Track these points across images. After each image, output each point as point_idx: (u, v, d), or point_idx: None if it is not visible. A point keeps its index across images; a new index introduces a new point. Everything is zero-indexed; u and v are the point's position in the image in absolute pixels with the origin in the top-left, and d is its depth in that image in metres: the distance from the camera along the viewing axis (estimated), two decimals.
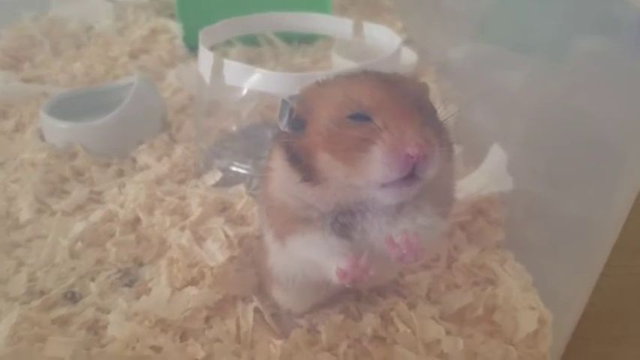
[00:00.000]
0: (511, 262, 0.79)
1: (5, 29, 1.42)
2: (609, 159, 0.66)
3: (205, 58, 0.86)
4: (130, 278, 0.79)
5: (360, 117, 0.52)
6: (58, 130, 0.99)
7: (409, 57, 1.28)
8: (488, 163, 0.88)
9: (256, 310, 0.72)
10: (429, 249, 0.60)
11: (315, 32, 1.05)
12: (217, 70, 0.84)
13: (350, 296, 0.75)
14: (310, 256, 0.59)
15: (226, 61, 0.82)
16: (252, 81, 0.81)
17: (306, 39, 1.43)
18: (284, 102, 0.58)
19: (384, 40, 0.96)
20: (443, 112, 0.60)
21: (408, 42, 1.46)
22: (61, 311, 0.71)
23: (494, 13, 1.07)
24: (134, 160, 0.99)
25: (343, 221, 0.57)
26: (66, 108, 1.03)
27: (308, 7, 1.08)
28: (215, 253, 0.77)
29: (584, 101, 0.74)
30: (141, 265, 0.80)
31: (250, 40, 1.36)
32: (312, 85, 0.58)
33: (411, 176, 0.50)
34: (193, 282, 0.74)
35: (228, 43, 1.33)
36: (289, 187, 0.56)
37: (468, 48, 1.20)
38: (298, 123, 0.56)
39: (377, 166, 0.50)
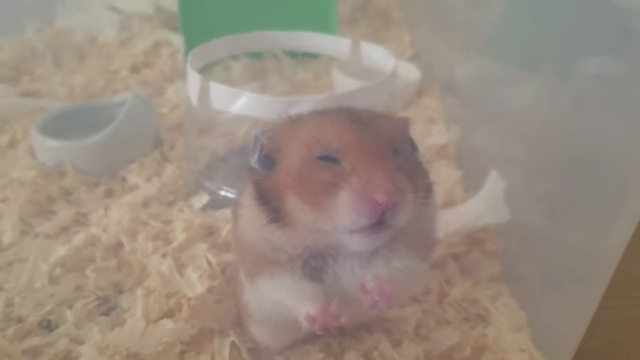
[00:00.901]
0: (504, 297, 0.75)
1: (7, 40, 1.41)
2: (611, 186, 0.62)
3: (193, 79, 0.83)
4: (108, 306, 0.76)
5: (329, 159, 0.49)
6: (48, 148, 0.98)
7: (412, 74, 1.25)
8: (486, 191, 0.85)
9: (233, 345, 0.69)
10: (405, 293, 0.57)
11: (311, 51, 1.02)
12: (204, 93, 0.81)
13: (334, 332, 0.72)
14: (280, 299, 0.56)
15: (212, 84, 0.80)
16: (238, 105, 0.78)
17: (311, 53, 1.41)
18: (256, 137, 0.55)
19: (381, 61, 0.93)
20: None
21: (414, 57, 1.43)
22: (34, 341, 0.69)
23: (504, 29, 1.04)
24: (124, 180, 0.98)
25: (314, 264, 0.54)
26: (59, 125, 1.02)
27: (312, 23, 1.06)
28: (195, 282, 0.75)
29: (587, 125, 0.70)
30: (121, 292, 0.78)
31: (255, 54, 1.34)
32: (284, 121, 0.56)
33: (380, 223, 0.47)
34: (170, 314, 0.72)
35: (234, 56, 1.32)
36: (257, 227, 0.54)
37: (474, 65, 1.16)
38: (268, 160, 0.54)
39: (344, 212, 0.47)
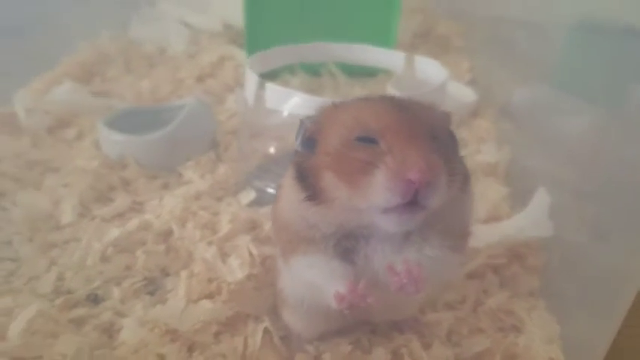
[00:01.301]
0: (540, 311, 0.74)
1: (84, 44, 1.51)
2: None
3: (250, 81, 0.88)
4: (153, 287, 0.80)
5: (368, 140, 0.51)
6: (112, 141, 1.04)
7: (468, 95, 1.26)
8: (532, 207, 0.84)
9: (266, 331, 0.71)
10: (436, 282, 0.58)
11: (366, 64, 1.05)
12: (259, 93, 0.85)
13: (365, 328, 0.73)
14: (312, 278, 0.58)
15: (268, 84, 0.84)
16: (291, 104, 0.82)
17: (368, 72, 1.44)
18: (301, 121, 0.58)
19: (434, 74, 0.95)
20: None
21: (472, 82, 1.44)
22: (80, 311, 0.74)
23: (563, 58, 1.05)
24: (180, 175, 1.02)
25: (346, 245, 0.56)
26: (124, 122, 1.08)
27: (373, 39, 1.09)
28: (235, 269, 0.78)
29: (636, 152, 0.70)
30: (167, 275, 0.82)
31: (313, 70, 1.38)
32: (328, 106, 0.58)
33: (413, 203, 0.49)
34: (210, 296, 0.75)
35: (291, 71, 1.37)
36: (294, 205, 0.56)
37: (530, 91, 1.17)
38: (310, 142, 0.56)
39: (378, 190, 0.49)
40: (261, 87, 0.85)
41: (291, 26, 1.41)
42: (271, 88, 0.84)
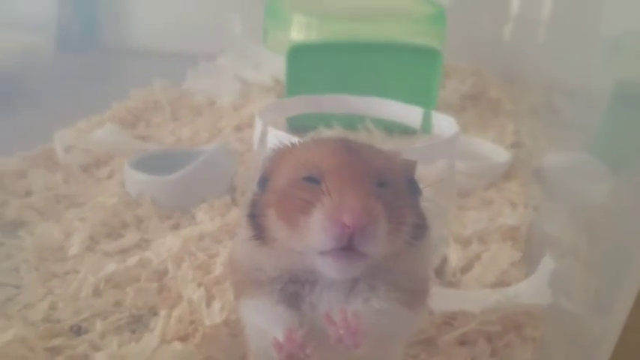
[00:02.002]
0: None
1: (136, 91, 1.59)
2: None
3: (256, 126, 0.88)
4: (137, 325, 0.80)
5: (312, 180, 0.50)
6: (132, 180, 1.07)
7: (501, 156, 1.21)
8: (536, 274, 0.79)
9: None
10: (384, 338, 0.54)
11: (385, 118, 1.04)
12: (263, 138, 0.86)
13: None
14: (258, 323, 0.56)
15: (270, 129, 0.84)
16: None
17: (407, 130, 1.43)
18: (262, 160, 0.58)
19: (448, 129, 0.92)
20: None
21: (514, 145, 1.40)
22: (59, 341, 0.74)
23: (605, 128, 1.01)
24: (193, 217, 1.03)
25: (292, 290, 0.54)
26: (151, 163, 1.11)
27: (413, 102, 1.09)
28: (215, 313, 0.76)
29: None
30: (155, 314, 0.81)
31: (350, 125, 1.38)
32: (285, 145, 0.57)
33: (351, 249, 0.47)
34: (184, 338, 0.74)
35: (328, 125, 1.37)
36: (243, 244, 0.55)
37: (563, 156, 1.13)
38: (264, 181, 0.56)
39: (314, 231, 0.47)
40: (264, 133, 0.85)
41: (330, 85, 1.42)
42: (273, 133, 0.84)
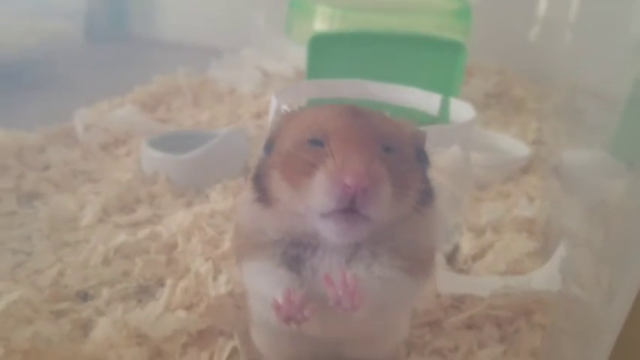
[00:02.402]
0: None
1: (159, 77, 1.61)
2: None
3: (272, 106, 0.88)
4: (146, 295, 0.80)
5: (317, 142, 0.50)
6: (148, 158, 1.08)
7: (520, 150, 1.20)
8: (550, 263, 0.77)
9: (235, 350, 0.68)
10: (385, 305, 0.53)
11: (402, 104, 1.03)
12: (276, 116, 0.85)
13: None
14: (259, 287, 0.55)
15: (284, 106, 0.84)
16: None
17: (425, 120, 1.41)
18: (270, 125, 0.58)
19: (466, 116, 0.91)
20: None
21: (536, 142, 1.38)
22: (64, 305, 0.74)
23: (623, 127, 1.00)
24: (207, 196, 1.03)
25: (294, 253, 0.53)
26: (167, 143, 1.12)
27: (435, 92, 1.08)
28: (221, 284, 0.76)
29: None
30: (162, 285, 0.81)
31: None
32: (293, 110, 0.57)
33: (353, 212, 0.46)
34: (188, 307, 0.73)
35: None
36: (247, 207, 0.55)
37: (582, 153, 1.11)
38: (270, 144, 0.55)
39: (315, 192, 0.47)
40: (278, 109, 0.85)
41: (351, 75, 1.41)
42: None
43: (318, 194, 0.46)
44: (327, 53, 1.37)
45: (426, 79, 1.31)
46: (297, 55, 1.76)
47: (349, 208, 0.46)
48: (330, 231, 0.48)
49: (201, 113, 1.43)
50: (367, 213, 0.46)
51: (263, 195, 0.52)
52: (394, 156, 0.50)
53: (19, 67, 1.73)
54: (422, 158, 0.55)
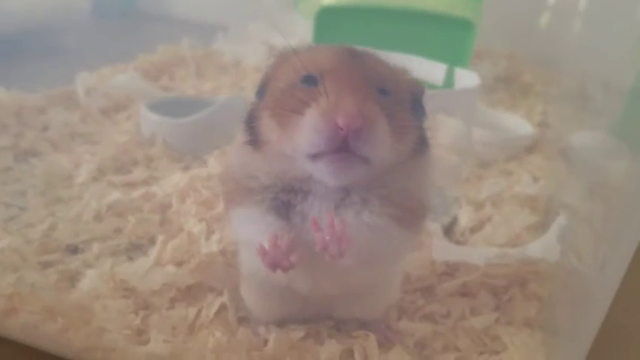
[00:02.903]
0: (529, 341, 0.64)
1: (164, 46, 1.59)
2: None
3: None
4: (137, 252, 0.79)
5: (311, 80, 0.48)
6: (147, 121, 1.06)
7: (524, 128, 1.17)
8: (548, 233, 0.75)
9: (223, 307, 0.67)
10: (372, 254, 0.51)
11: None
12: None
13: (330, 323, 0.66)
14: (247, 233, 0.54)
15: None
16: None
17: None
18: (264, 69, 0.57)
19: (471, 83, 0.89)
20: None
21: (541, 124, 1.36)
22: (53, 257, 0.74)
23: (628, 112, 0.98)
24: (205, 162, 1.02)
25: (284, 199, 0.52)
26: (167, 108, 1.10)
27: (445, 60, 1.06)
28: (212, 243, 0.75)
29: None
30: (154, 244, 0.80)
31: None
32: (287, 50, 0.56)
33: (347, 152, 0.45)
34: (178, 263, 0.72)
35: None
36: (238, 150, 0.54)
37: (588, 135, 1.10)
38: (262, 88, 0.54)
39: (305, 131, 0.45)
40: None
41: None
42: None
43: (308, 133, 0.45)
44: (334, 27, 1.35)
45: (435, 57, 1.29)
46: (305, 30, 1.75)
47: (343, 149, 0.44)
48: (323, 173, 0.47)
49: (203, 84, 1.42)
50: (364, 154, 0.45)
51: (254, 138, 0.51)
52: (390, 99, 0.49)
53: (25, 35, 1.72)
54: (418, 109, 0.53)
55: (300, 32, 1.73)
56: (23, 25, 1.76)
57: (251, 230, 0.53)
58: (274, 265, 0.49)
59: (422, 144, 0.52)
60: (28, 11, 1.81)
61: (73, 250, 0.77)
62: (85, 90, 1.22)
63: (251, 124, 0.52)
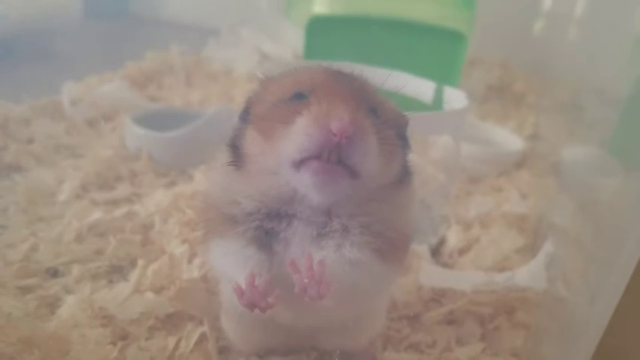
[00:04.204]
0: None
1: (152, 54, 1.57)
2: None
3: None
4: (118, 275, 0.77)
5: (300, 96, 0.48)
6: (132, 134, 1.05)
7: (514, 143, 1.17)
8: (536, 259, 0.74)
9: (204, 337, 0.65)
10: (353, 291, 0.50)
11: (396, 90, 0.99)
12: None
13: (313, 355, 0.65)
14: (225, 268, 0.53)
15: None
16: None
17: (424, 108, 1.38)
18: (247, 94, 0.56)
19: (459, 104, 0.88)
20: None
21: (533, 136, 1.35)
22: (32, 281, 0.72)
23: (621, 126, 0.97)
24: (190, 177, 1.00)
25: (268, 227, 0.50)
26: (153, 121, 1.08)
27: (433, 74, 1.04)
28: (194, 268, 0.73)
29: None
30: (135, 266, 0.78)
31: None
32: (269, 75, 0.55)
33: (334, 163, 0.44)
34: (158, 290, 0.71)
35: None
36: (219, 174, 0.53)
37: (579, 151, 1.08)
38: (246, 112, 0.53)
39: (295, 137, 0.44)
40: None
41: (348, 60, 1.38)
42: None
43: (298, 138, 0.43)
44: (325, 36, 1.34)
45: (425, 68, 1.27)
46: (296, 38, 1.73)
47: (332, 160, 0.43)
48: (307, 185, 0.45)
49: (192, 93, 1.40)
50: (353, 165, 0.44)
51: (237, 158, 0.50)
52: (379, 120, 0.48)
53: (13, 38, 1.70)
54: (403, 142, 0.52)
55: (291, 40, 1.72)
56: (13, 28, 1.73)
57: (229, 263, 0.51)
58: (252, 306, 0.47)
59: (405, 174, 0.51)
60: (17, 14, 1.78)
61: (53, 273, 0.75)
62: (70, 100, 1.20)
63: (234, 147, 0.51)
